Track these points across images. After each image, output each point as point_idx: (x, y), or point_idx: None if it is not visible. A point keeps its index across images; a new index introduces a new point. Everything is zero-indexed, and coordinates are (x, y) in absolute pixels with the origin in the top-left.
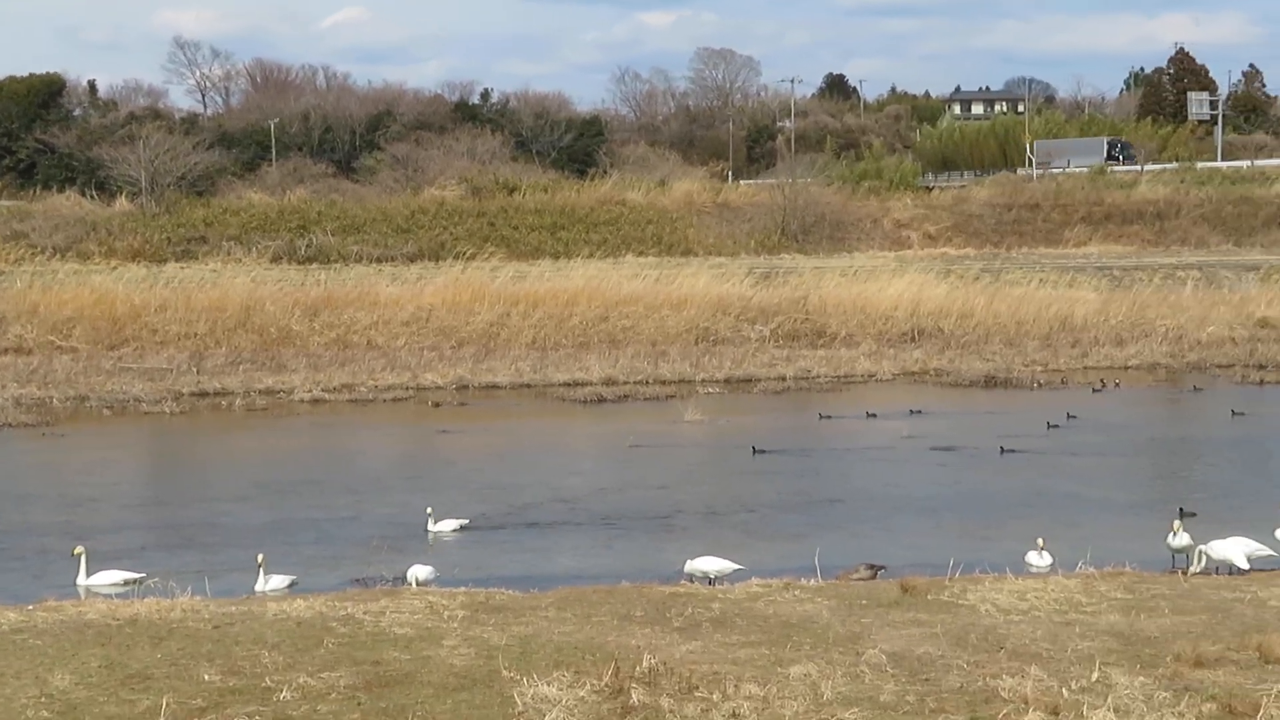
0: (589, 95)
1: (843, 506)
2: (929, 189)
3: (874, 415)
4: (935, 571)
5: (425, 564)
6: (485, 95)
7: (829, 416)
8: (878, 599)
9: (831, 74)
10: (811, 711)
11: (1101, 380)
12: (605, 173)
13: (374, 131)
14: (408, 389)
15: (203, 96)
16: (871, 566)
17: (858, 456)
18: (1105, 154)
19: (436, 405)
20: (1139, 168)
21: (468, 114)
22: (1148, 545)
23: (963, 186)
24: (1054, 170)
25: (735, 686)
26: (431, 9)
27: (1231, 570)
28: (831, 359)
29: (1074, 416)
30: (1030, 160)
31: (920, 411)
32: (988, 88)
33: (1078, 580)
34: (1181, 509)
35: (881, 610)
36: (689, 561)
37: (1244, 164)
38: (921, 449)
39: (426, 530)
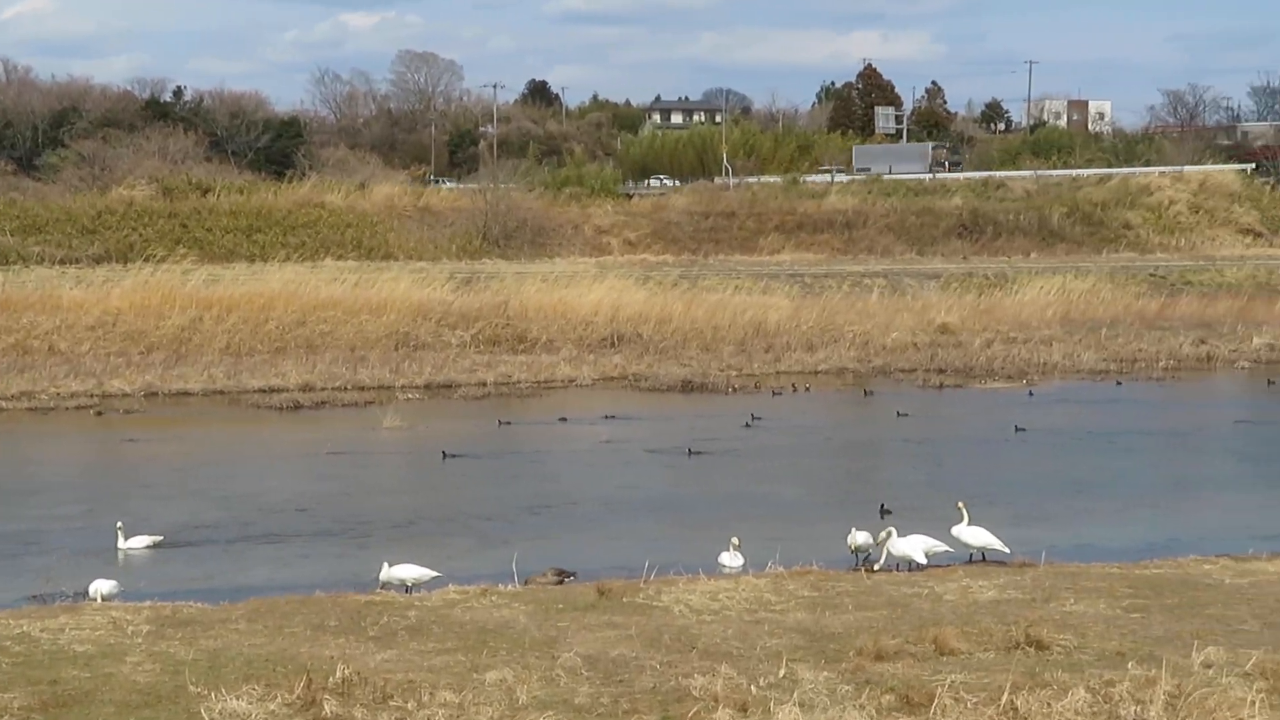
0: (287, 96)
1: (540, 511)
2: (629, 196)
3: (565, 420)
4: (631, 574)
5: (109, 578)
6: (178, 93)
7: (508, 423)
8: (574, 603)
9: (534, 80)
10: (506, 716)
11: (793, 385)
12: (304, 175)
13: (58, 128)
14: (92, 396)
15: None
16: (559, 572)
17: (555, 461)
18: (931, 159)
19: (99, 414)
20: (928, 175)
21: (159, 112)
22: (834, 544)
23: (662, 194)
24: (749, 180)
25: (430, 694)
26: (121, 1)
27: (911, 567)
28: (532, 364)
29: (758, 418)
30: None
31: (618, 416)
32: (687, 97)
33: (768, 579)
34: (883, 505)
35: (578, 614)
36: (385, 569)
37: (927, 176)
38: (618, 453)
39: (116, 548)
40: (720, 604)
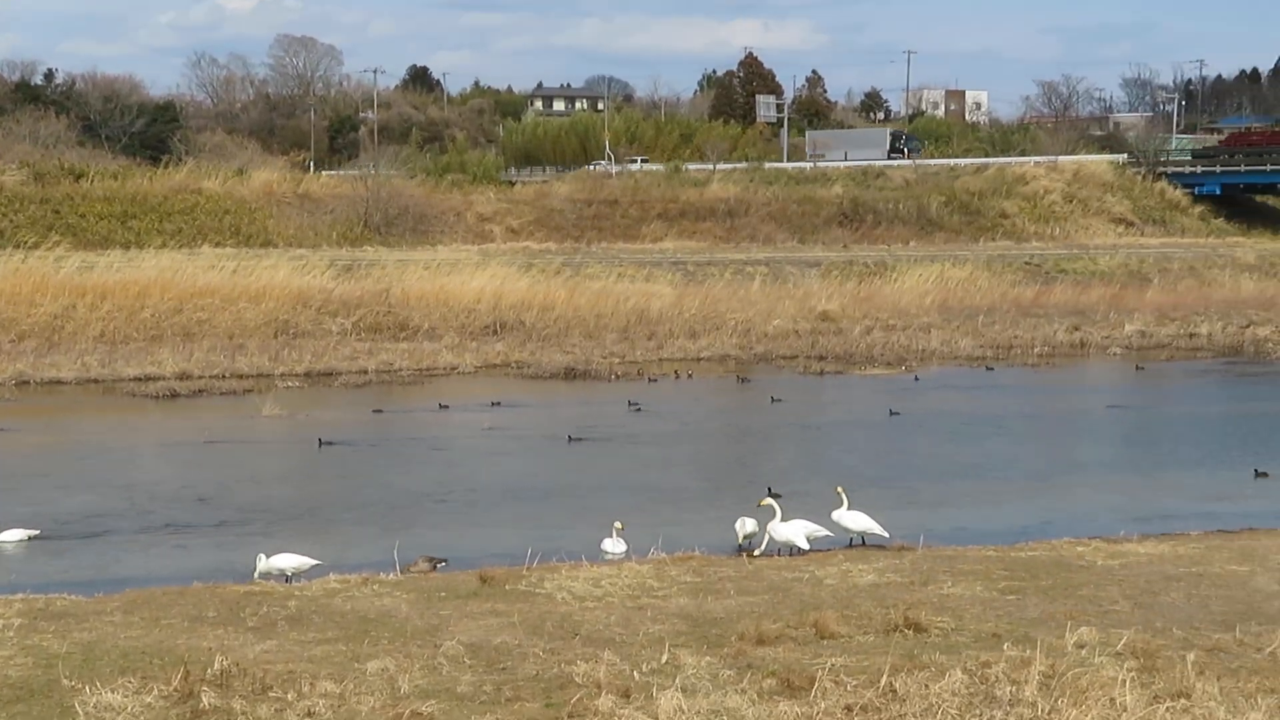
0: (163, 79)
1: (422, 499)
2: (512, 183)
3: (446, 407)
4: (513, 561)
5: None
6: (49, 76)
7: (379, 410)
8: (456, 590)
9: (415, 66)
10: (388, 706)
11: (675, 372)
12: (180, 160)
13: None
14: None
15: None
16: (431, 559)
17: (437, 449)
18: (889, 146)
19: None
20: (809, 164)
21: (30, 95)
22: (715, 530)
23: (545, 181)
24: (631, 168)
25: (311, 685)
26: None
27: (792, 551)
28: (414, 352)
29: (634, 404)
30: (809, 151)
31: (500, 403)
32: (569, 84)
33: (650, 565)
34: (770, 489)
35: (460, 602)
36: (261, 561)
37: (807, 165)
38: (500, 440)
39: None
40: (603, 590)
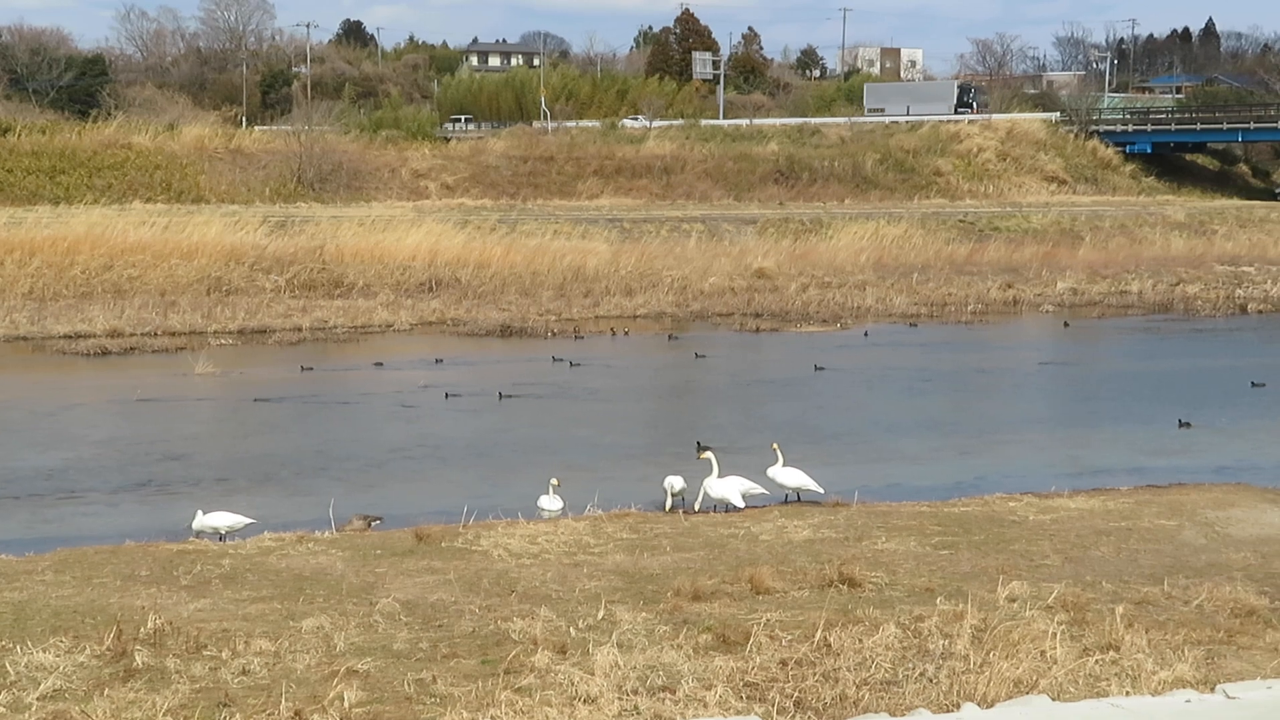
0: (91, 33)
1: (358, 457)
2: (447, 139)
3: (381, 365)
4: (449, 519)
5: None
6: None
7: (310, 368)
8: (392, 548)
9: (349, 20)
10: (324, 664)
11: (611, 329)
12: (110, 114)
13: None
14: None
15: None
16: (365, 517)
17: (372, 407)
18: (956, 100)
19: None
20: (982, 115)
21: None
22: (652, 487)
23: (480, 138)
24: (567, 125)
25: (246, 643)
26: None
27: (728, 508)
28: (349, 309)
29: (560, 359)
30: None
31: (436, 361)
32: (504, 40)
33: (586, 522)
34: (699, 443)
35: (396, 559)
36: (198, 517)
37: (744, 122)
38: (435, 397)
39: None
40: (539, 547)
